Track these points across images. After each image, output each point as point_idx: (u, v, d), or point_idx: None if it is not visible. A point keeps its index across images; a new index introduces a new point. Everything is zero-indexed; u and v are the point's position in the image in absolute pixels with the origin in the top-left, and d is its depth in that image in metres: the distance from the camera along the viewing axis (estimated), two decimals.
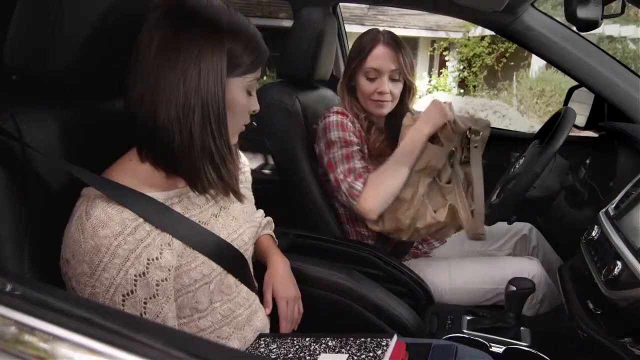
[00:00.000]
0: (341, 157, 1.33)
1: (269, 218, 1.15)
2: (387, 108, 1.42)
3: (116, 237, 0.66)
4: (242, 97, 0.77)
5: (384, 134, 1.45)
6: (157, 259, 0.69)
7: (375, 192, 1.27)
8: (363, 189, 1.28)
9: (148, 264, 0.68)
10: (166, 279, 0.70)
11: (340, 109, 1.41)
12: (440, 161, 1.28)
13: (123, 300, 0.67)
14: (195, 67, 0.70)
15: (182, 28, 0.70)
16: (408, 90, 1.46)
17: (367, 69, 1.38)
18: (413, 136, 1.27)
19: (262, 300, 0.98)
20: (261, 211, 1.12)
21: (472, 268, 1.41)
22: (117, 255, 0.65)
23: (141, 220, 0.68)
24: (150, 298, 0.69)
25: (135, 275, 0.67)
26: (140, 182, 0.73)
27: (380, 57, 1.37)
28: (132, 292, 0.67)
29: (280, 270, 1.04)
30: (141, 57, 0.70)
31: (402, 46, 1.40)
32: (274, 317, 1.00)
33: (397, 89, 1.41)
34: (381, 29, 1.44)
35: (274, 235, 1.13)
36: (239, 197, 0.82)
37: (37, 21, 0.72)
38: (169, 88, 0.69)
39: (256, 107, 0.82)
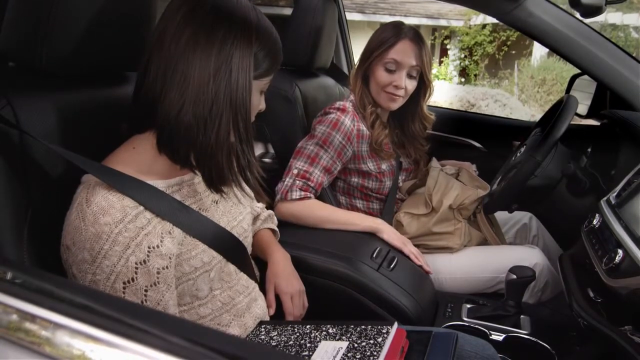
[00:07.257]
0: (309, 154, 1.32)
1: (270, 212, 1.13)
2: (398, 103, 1.43)
3: (117, 225, 0.65)
4: (256, 99, 0.77)
5: (387, 129, 1.45)
6: (157, 246, 0.69)
7: (299, 212, 1.29)
8: (295, 201, 1.29)
9: (149, 251, 0.68)
10: (167, 267, 0.70)
11: (342, 105, 1.39)
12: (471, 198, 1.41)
13: (124, 288, 0.66)
14: (227, 66, 0.68)
15: (216, 25, 0.68)
16: (424, 90, 1.47)
17: (388, 60, 1.38)
18: (362, 218, 1.33)
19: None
20: (262, 204, 1.11)
21: (472, 256, 1.41)
22: (117, 243, 0.65)
23: (142, 208, 0.68)
24: (151, 286, 0.68)
25: (135, 263, 0.66)
26: (141, 170, 0.72)
27: (404, 50, 1.37)
28: (132, 279, 0.67)
29: (281, 267, 1.03)
30: (166, 50, 0.68)
31: (424, 44, 1.41)
32: (278, 314, 1.00)
33: (411, 86, 1.42)
34: (405, 24, 1.44)
35: (277, 230, 1.12)
36: (259, 194, 0.82)
37: (33, 7, 0.71)
38: (197, 86, 0.68)
39: (264, 105, 0.82)
